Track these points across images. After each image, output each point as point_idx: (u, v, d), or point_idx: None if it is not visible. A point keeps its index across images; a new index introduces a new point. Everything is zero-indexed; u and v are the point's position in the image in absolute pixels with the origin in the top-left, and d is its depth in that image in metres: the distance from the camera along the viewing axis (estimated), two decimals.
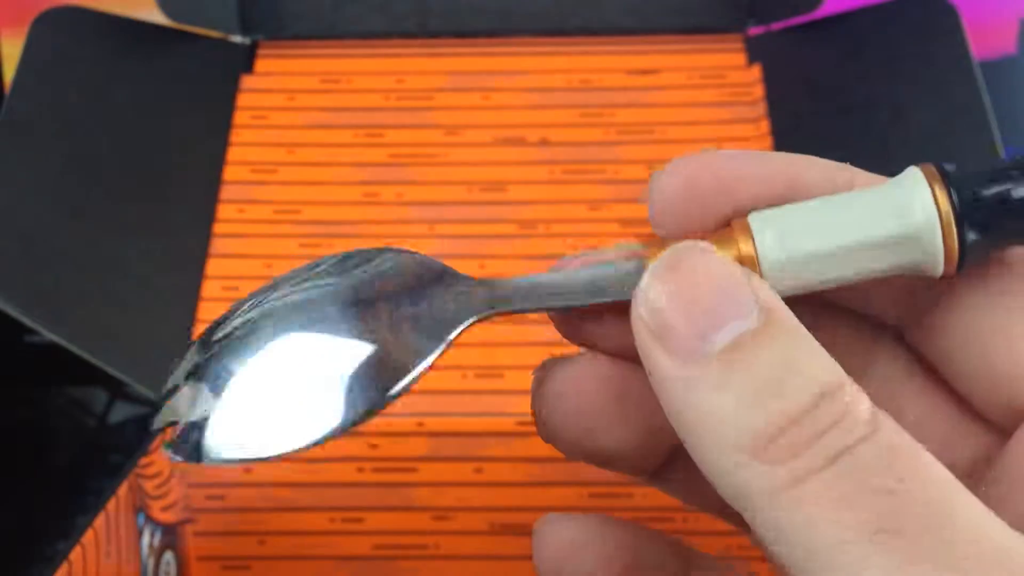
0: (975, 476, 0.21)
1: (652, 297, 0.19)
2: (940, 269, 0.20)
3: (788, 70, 0.47)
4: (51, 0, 0.48)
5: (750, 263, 0.20)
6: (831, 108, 0.46)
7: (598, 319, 0.22)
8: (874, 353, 0.23)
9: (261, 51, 0.49)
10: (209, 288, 0.42)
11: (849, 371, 0.18)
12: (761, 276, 0.20)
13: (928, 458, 0.17)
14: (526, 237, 0.43)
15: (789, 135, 0.45)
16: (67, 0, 0.48)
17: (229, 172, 0.45)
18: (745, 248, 0.20)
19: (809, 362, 0.18)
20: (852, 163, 0.23)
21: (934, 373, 0.22)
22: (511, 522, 0.40)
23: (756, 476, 0.17)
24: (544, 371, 0.23)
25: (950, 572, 0.16)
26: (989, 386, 0.21)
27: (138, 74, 0.48)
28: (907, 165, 0.22)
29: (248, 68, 0.48)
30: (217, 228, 0.44)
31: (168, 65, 0.48)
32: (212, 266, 0.43)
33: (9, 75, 0.47)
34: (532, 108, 0.47)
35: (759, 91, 0.46)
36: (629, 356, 0.21)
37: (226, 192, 0.44)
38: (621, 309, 0.20)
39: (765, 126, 0.45)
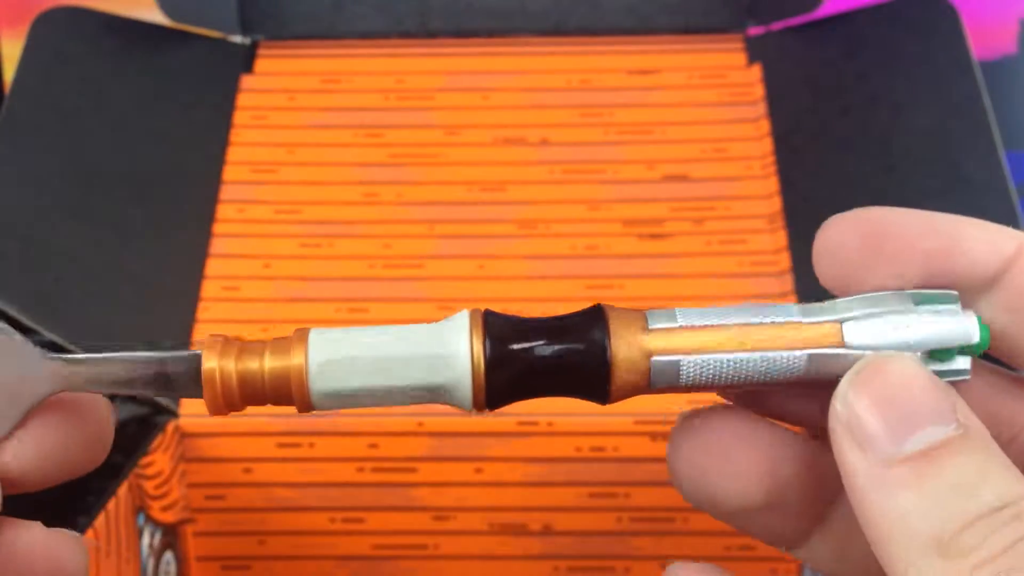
0: None
1: (854, 394, 0.20)
2: (469, 408, 0.21)
3: (788, 70, 0.47)
4: (51, 0, 0.48)
5: (297, 375, 0.21)
6: (831, 108, 0.46)
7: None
8: None
9: (261, 51, 0.49)
10: (209, 288, 0.42)
11: None
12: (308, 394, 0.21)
13: None
14: (526, 237, 0.43)
15: (789, 135, 0.45)
16: (67, 0, 0.48)
17: (229, 172, 0.45)
18: (296, 360, 0.21)
19: (1000, 475, 0.19)
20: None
21: None
22: (511, 522, 0.40)
23: (929, 572, 0.19)
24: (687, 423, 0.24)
25: None
26: None
27: (138, 74, 0.48)
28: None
29: (248, 68, 0.48)
30: (217, 228, 0.44)
31: (168, 65, 0.48)
32: (212, 266, 0.42)
33: (9, 75, 0.47)
34: (532, 108, 0.47)
35: (759, 91, 0.46)
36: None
37: (226, 192, 0.44)
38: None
39: (765, 126, 0.45)
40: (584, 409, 0.40)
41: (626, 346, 0.21)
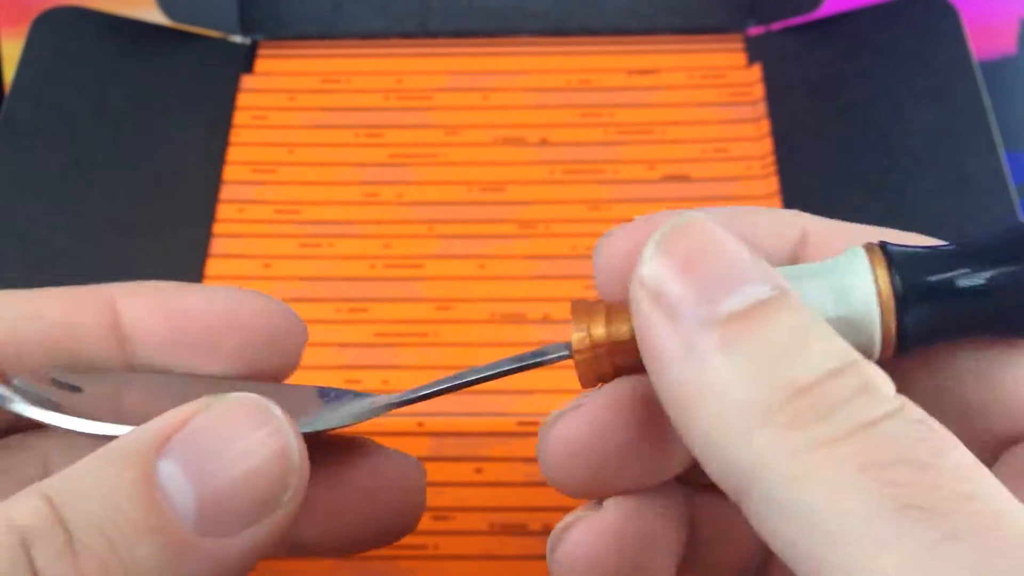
0: None
1: (655, 265, 0.18)
2: (876, 354, 0.19)
3: (788, 70, 0.47)
4: (51, 0, 0.48)
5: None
6: (831, 108, 0.46)
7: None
8: None
9: (261, 51, 0.49)
10: None
11: None
12: None
13: (955, 441, 0.17)
14: (526, 237, 0.43)
15: (789, 135, 0.45)
16: (67, 0, 0.48)
17: (229, 172, 0.45)
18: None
19: (825, 338, 0.17)
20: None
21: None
22: (511, 522, 0.40)
23: (766, 445, 0.16)
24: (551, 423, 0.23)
25: (986, 556, 0.15)
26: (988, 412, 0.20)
27: (138, 74, 0.48)
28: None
29: (248, 68, 0.48)
30: (217, 228, 0.44)
31: (168, 65, 0.48)
32: (212, 266, 0.43)
33: (9, 75, 0.47)
34: (532, 108, 0.47)
35: (759, 91, 0.46)
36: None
37: (226, 192, 0.45)
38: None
39: (765, 126, 0.45)
40: None
41: None
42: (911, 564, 0.15)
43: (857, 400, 0.16)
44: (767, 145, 0.45)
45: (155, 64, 0.48)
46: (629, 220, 0.23)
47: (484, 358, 0.41)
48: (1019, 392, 0.20)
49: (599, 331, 0.21)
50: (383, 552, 0.43)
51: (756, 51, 0.48)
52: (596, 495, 0.22)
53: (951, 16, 0.47)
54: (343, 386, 0.41)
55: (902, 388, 0.19)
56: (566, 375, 0.41)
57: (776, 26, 0.49)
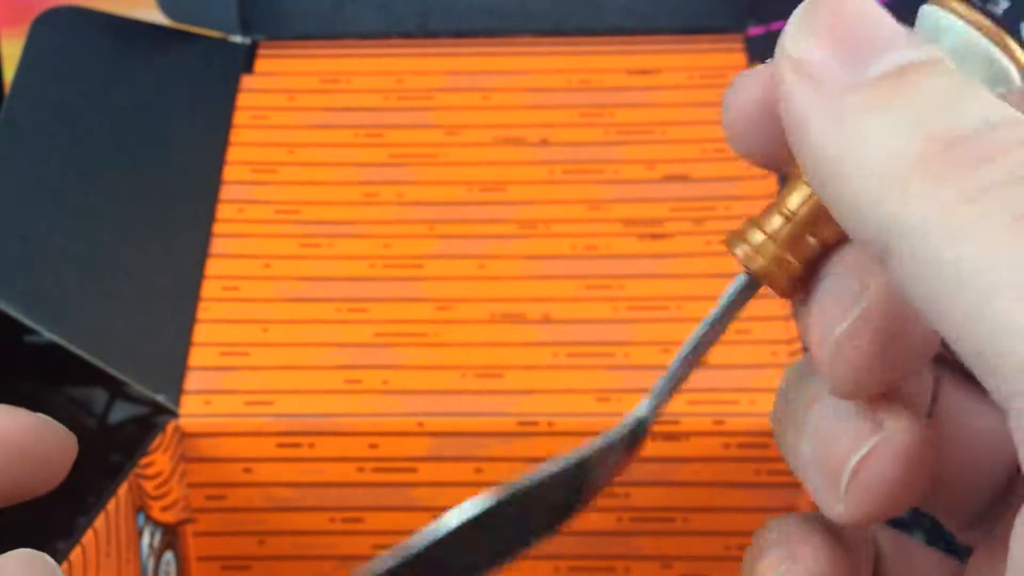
0: None
1: (799, 35, 0.17)
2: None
3: None
4: (51, 0, 0.48)
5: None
6: None
7: None
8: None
9: (261, 51, 0.49)
10: (209, 288, 0.42)
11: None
12: None
13: None
14: (526, 237, 0.43)
15: None
16: (67, 0, 0.48)
17: (229, 172, 0.45)
18: None
19: (981, 96, 0.16)
20: None
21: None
22: None
23: (917, 197, 0.15)
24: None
25: None
26: None
27: (138, 74, 0.48)
28: None
29: (248, 68, 0.48)
30: (217, 228, 0.44)
31: (168, 65, 0.48)
32: (212, 266, 0.42)
33: (9, 75, 0.47)
34: (532, 108, 0.47)
35: None
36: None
37: (226, 192, 0.44)
38: None
39: None
40: (584, 409, 0.40)
41: None
42: None
43: (1016, 152, 0.15)
44: None
45: (155, 64, 0.48)
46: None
47: (484, 358, 0.41)
48: None
49: (757, 236, 0.20)
50: (383, 552, 0.43)
51: (756, 51, 0.48)
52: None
53: None
54: (343, 386, 0.42)
55: None
56: (566, 375, 0.41)
57: (776, 26, 0.48)
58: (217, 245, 0.43)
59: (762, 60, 0.19)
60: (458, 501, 0.40)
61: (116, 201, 0.44)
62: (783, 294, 0.20)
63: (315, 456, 0.40)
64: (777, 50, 0.18)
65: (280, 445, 0.40)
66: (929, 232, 0.15)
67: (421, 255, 0.43)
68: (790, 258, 0.20)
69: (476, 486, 0.40)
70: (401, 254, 0.43)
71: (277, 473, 0.40)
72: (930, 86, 0.16)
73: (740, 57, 0.48)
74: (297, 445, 0.40)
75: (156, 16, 0.48)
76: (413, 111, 0.47)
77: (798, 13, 0.18)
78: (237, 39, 0.49)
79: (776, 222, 0.20)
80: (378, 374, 0.40)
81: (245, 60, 0.49)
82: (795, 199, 0.19)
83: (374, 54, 0.49)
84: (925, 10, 0.19)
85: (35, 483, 0.23)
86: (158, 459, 0.39)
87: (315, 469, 0.40)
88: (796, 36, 0.17)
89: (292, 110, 0.47)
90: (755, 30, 0.49)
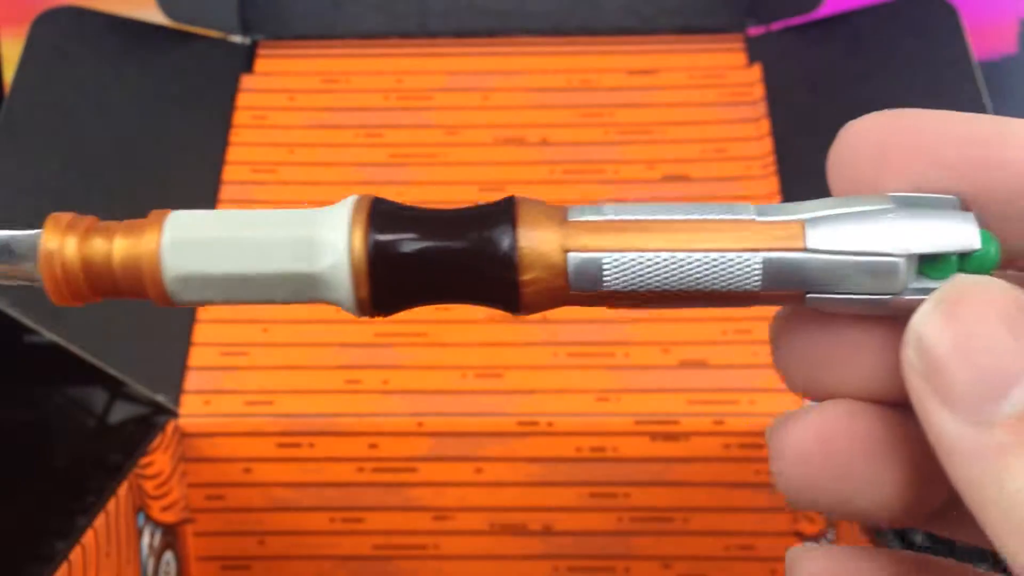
0: None
1: (930, 338, 0.16)
2: (356, 311, 0.18)
3: (788, 70, 0.47)
4: (51, 0, 0.48)
5: (149, 256, 0.18)
6: (831, 108, 0.46)
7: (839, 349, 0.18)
8: None
9: (261, 51, 0.49)
10: None
11: None
12: (163, 283, 0.18)
13: None
14: None
15: (789, 135, 0.45)
16: (67, 0, 0.48)
17: (229, 172, 0.45)
18: (149, 239, 0.18)
19: None
20: None
21: None
22: (511, 522, 0.40)
23: None
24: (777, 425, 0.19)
25: None
26: None
27: (138, 74, 0.48)
28: None
29: (248, 68, 0.48)
30: None
31: (168, 65, 0.48)
32: None
33: (9, 75, 0.47)
34: (532, 108, 0.47)
35: (759, 91, 0.46)
36: (880, 397, 0.18)
37: (226, 192, 0.44)
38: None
39: (765, 126, 0.45)
40: (584, 409, 0.40)
41: (538, 239, 0.17)
42: None
43: None
44: (767, 145, 0.45)
45: (155, 64, 0.48)
46: None
47: (484, 358, 0.41)
48: None
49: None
50: (383, 552, 0.43)
51: (756, 51, 0.48)
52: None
53: (951, 16, 0.47)
54: (343, 386, 0.41)
55: None
56: (566, 375, 0.41)
57: (776, 26, 0.49)
58: None
59: (762, 60, 0.19)
60: (458, 501, 0.41)
61: (116, 201, 0.44)
62: (54, 299, 0.19)
63: (315, 456, 0.40)
64: (904, 348, 0.16)
65: (280, 445, 0.40)
66: None
67: None
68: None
69: (476, 486, 0.41)
70: None
71: (277, 473, 0.40)
72: None
73: (740, 57, 0.48)
74: (297, 445, 0.40)
75: (156, 16, 0.48)
76: (413, 111, 0.47)
77: (935, 300, 0.16)
78: (237, 39, 0.49)
79: (98, 247, 0.19)
80: (378, 374, 0.40)
81: (245, 60, 0.49)
82: None
83: (374, 54, 0.49)
84: (344, 204, 0.18)
85: None
86: (158, 459, 0.39)
87: (315, 469, 0.40)
88: (930, 331, 0.16)
89: (292, 110, 0.47)
90: (755, 30, 0.49)
